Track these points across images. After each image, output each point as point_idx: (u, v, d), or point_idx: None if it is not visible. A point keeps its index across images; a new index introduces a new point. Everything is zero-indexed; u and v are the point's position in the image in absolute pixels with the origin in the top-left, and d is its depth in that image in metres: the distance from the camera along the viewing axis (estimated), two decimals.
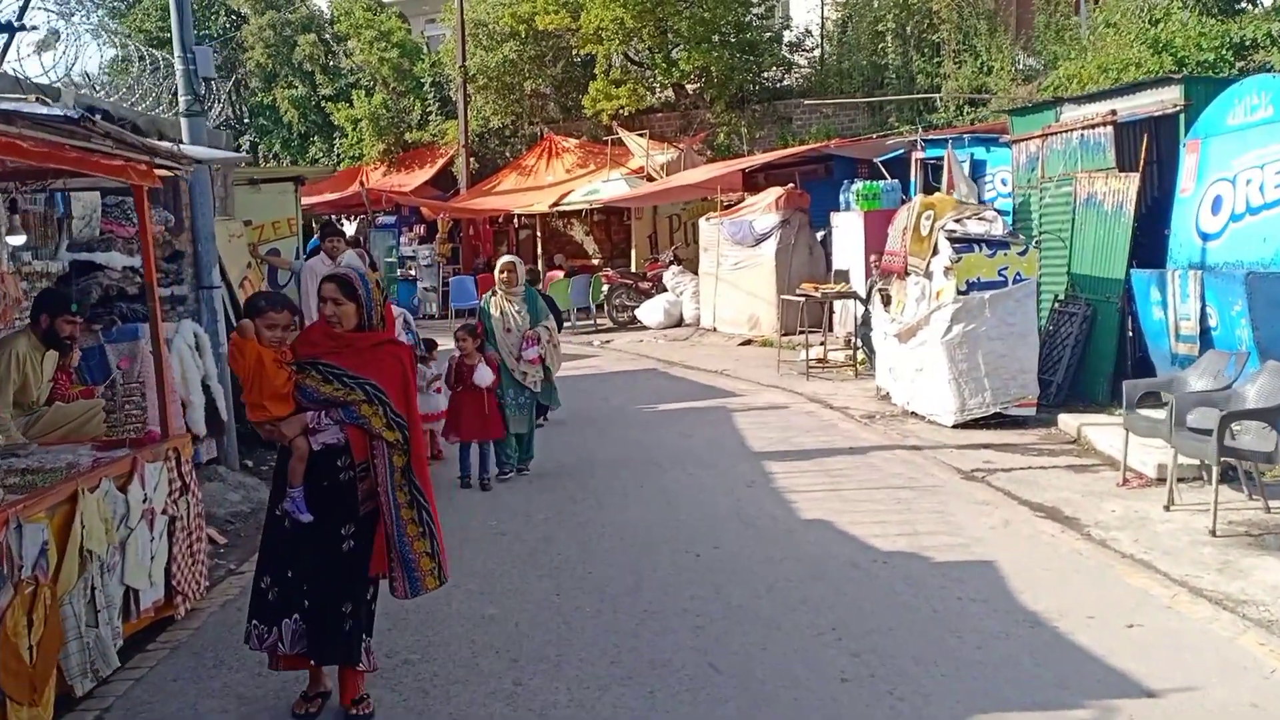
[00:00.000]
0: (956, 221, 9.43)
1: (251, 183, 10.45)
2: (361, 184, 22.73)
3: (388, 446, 3.78)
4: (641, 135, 21.05)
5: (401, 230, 23.24)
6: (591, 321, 18.72)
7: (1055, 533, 6.04)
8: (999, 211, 9.77)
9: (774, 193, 15.70)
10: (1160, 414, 6.79)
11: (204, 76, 7.95)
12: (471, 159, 24.61)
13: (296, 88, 27.98)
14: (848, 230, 13.98)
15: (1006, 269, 9.23)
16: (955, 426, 9.14)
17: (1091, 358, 10.02)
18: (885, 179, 14.12)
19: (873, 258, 12.67)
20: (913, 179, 13.93)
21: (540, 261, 21.71)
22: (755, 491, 7.24)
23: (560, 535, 6.33)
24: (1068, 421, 8.92)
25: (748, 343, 15.56)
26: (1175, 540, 5.79)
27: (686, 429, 9.58)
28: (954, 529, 6.16)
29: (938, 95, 19.61)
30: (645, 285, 18.49)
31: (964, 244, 9.28)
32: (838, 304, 13.81)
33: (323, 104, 27.33)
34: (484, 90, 24.62)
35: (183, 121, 7.94)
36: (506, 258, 7.63)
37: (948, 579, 5.27)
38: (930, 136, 13.73)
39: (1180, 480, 6.70)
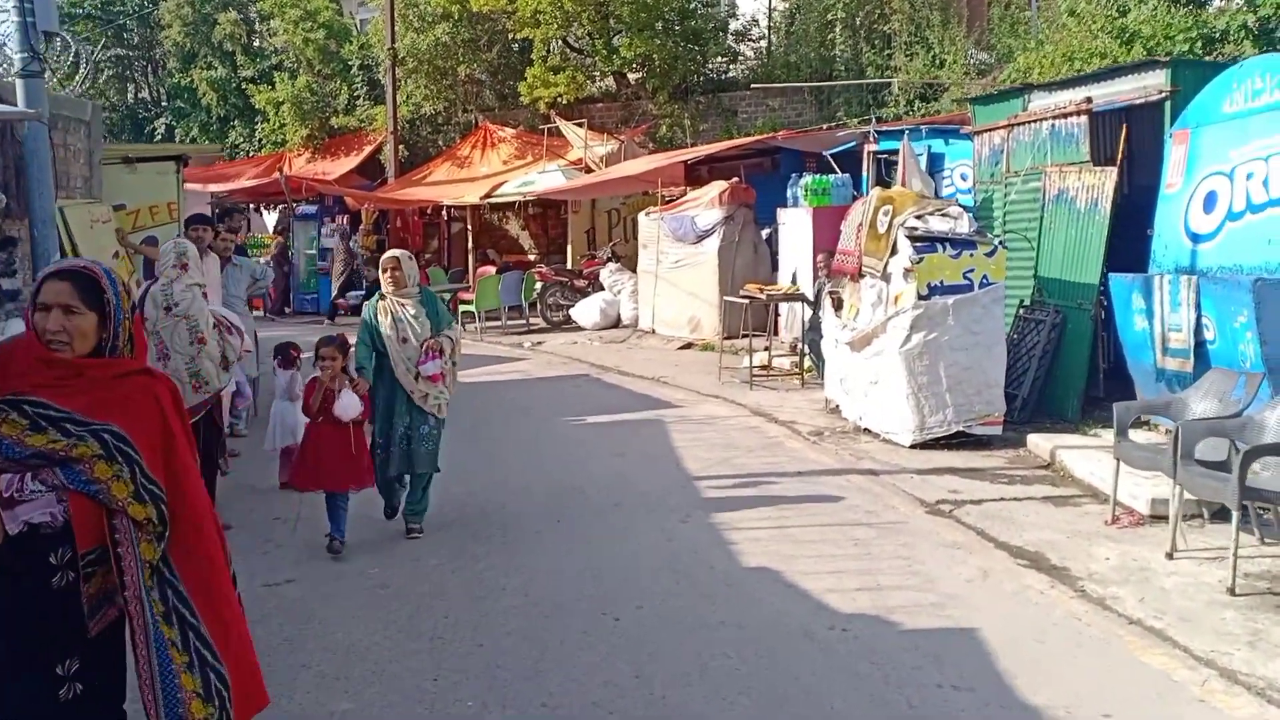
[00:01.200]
0: (918, 218, 8.48)
1: (126, 161, 9.18)
2: (280, 170, 21.30)
3: (135, 528, 2.53)
4: (580, 125, 19.94)
5: (324, 221, 21.86)
6: (524, 321, 17.58)
7: (1044, 588, 5.07)
8: (964, 207, 8.83)
9: (717, 187, 14.70)
10: (1156, 440, 5.89)
11: (45, 31, 6.70)
12: (401, 147, 23.28)
13: (216, 69, 26.42)
14: (795, 228, 13.02)
15: (972, 271, 8.30)
16: (914, 446, 8.19)
17: (1061, 370, 9.15)
18: (836, 173, 13.19)
19: (820, 258, 11.71)
20: (865, 174, 13.01)
21: (470, 256, 20.52)
22: (691, 529, 6.20)
23: (453, 589, 5.23)
24: (1038, 443, 8.01)
25: (688, 346, 14.54)
26: (1189, 600, 4.86)
27: (618, 446, 8.52)
28: (924, 582, 5.17)
29: (891, 84, 18.77)
30: (581, 283, 17.39)
31: (926, 243, 8.33)
32: (784, 307, 12.84)
33: (244, 86, 25.80)
34: (414, 74, 23.32)
35: (17, 83, 6.69)
36: (391, 253, 6.19)
37: (923, 655, 4.27)
38: (885, 128, 12.82)
39: (1160, 517, 5.81)
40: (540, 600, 5.04)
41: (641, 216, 15.95)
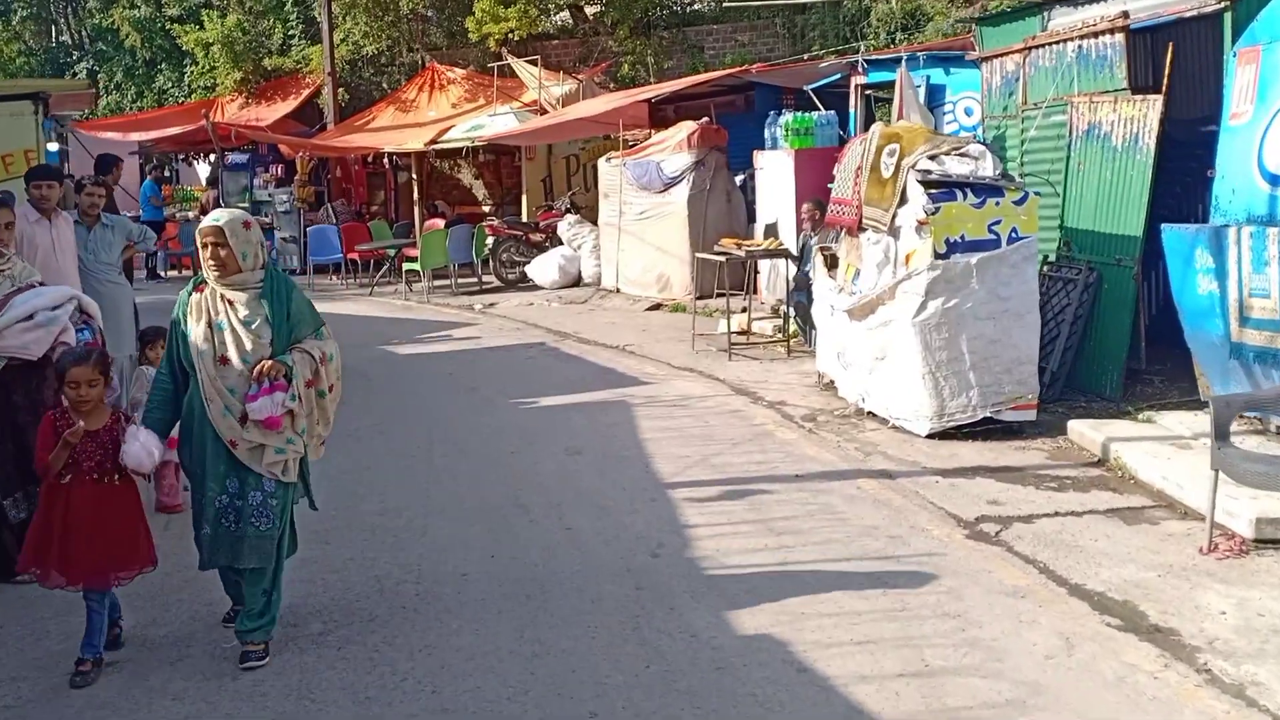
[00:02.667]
0: (931, 159, 7.00)
1: None
2: (206, 116, 19.41)
3: None
4: (534, 63, 18.20)
5: (255, 171, 20.05)
6: (476, 279, 15.99)
7: (1155, 668, 3.69)
8: (986, 145, 7.36)
9: (685, 128, 13.12)
10: (1272, 450, 4.53)
11: None
12: (341, 90, 21.40)
13: (139, 7, 24.25)
14: (775, 173, 11.51)
15: (999, 224, 6.86)
16: (931, 436, 6.80)
17: (1097, 339, 7.78)
18: (820, 110, 11.66)
19: (804, 207, 10.25)
20: (852, 110, 11.51)
21: (417, 209, 18.84)
22: (663, 570, 4.76)
23: (324, 689, 3.77)
24: (1084, 433, 6.64)
25: (656, 307, 13.07)
26: None
27: (574, 439, 7.05)
28: (988, 659, 3.78)
29: (870, 13, 17.24)
30: (537, 237, 15.79)
31: (943, 190, 6.87)
32: (765, 263, 11.36)
33: (169, 27, 23.70)
34: (353, 10, 21.42)
35: None
36: (211, 218, 3.99)
37: None
38: (875, 56, 11.28)
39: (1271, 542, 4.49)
40: (456, 704, 3.60)
41: (602, 163, 14.36)
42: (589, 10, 21.76)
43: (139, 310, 8.15)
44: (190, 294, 4.04)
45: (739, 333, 10.29)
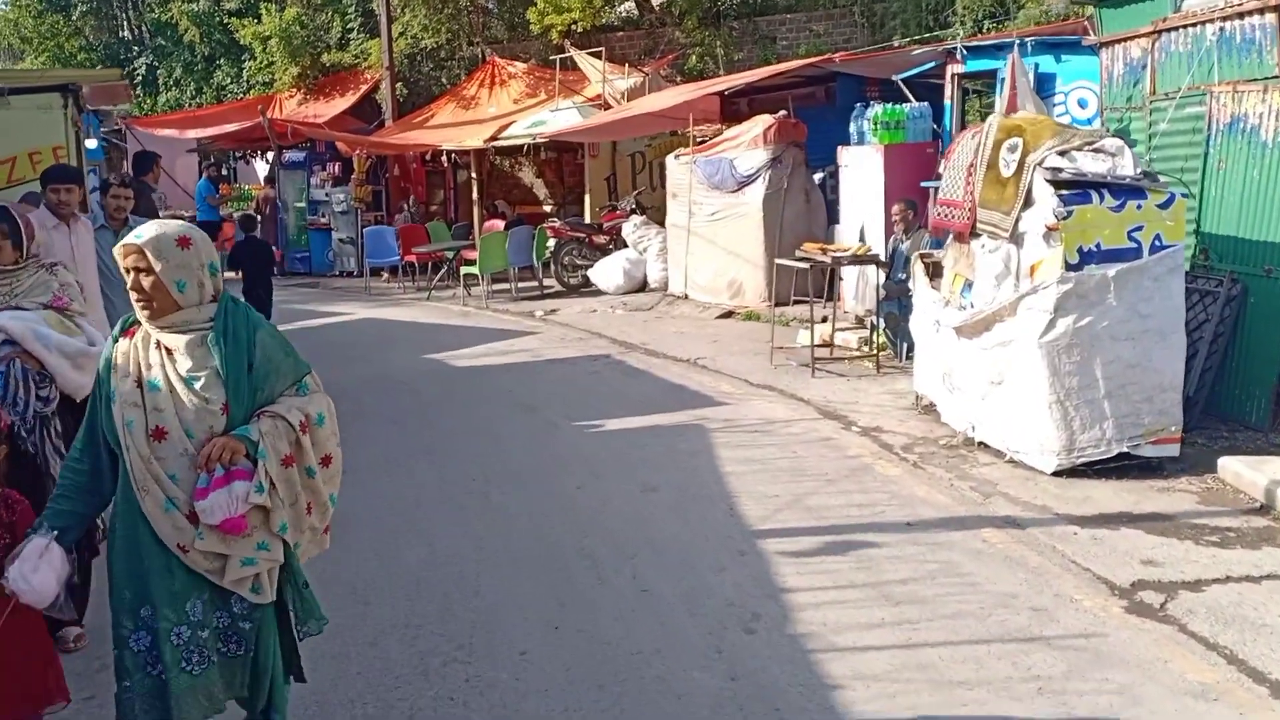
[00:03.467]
0: (1062, 154, 6.09)
1: None
2: (262, 112, 18.96)
3: None
4: (598, 56, 17.45)
5: (313, 170, 19.57)
6: (536, 283, 15.28)
7: None
8: (1123, 139, 6.43)
9: (761, 122, 12.27)
10: None
11: None
12: (400, 85, 20.88)
13: (197, 1, 23.97)
14: (861, 171, 10.61)
15: (1141, 230, 5.95)
16: (1058, 473, 5.91)
17: (1242, 359, 6.82)
18: (911, 102, 10.73)
19: (895, 208, 9.37)
20: (948, 102, 10.56)
21: (477, 209, 18.20)
22: (761, 650, 3.95)
23: None
24: (1239, 472, 5.70)
25: (728, 315, 12.23)
26: None
27: (646, 471, 6.27)
28: None
29: (955, 2, 16.23)
30: (601, 239, 15.04)
31: (1075, 190, 5.97)
32: (849, 269, 10.47)
33: (227, 21, 23.37)
34: (412, 2, 20.86)
35: None
36: (133, 234, 2.97)
37: None
38: (976, 42, 10.32)
39: None
40: None
41: (670, 160, 13.55)
42: (655, 1, 20.99)
43: None
44: (117, 339, 2.94)
45: (821, 345, 9.42)
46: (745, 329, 11.47)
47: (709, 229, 12.69)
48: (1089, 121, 8.92)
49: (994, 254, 6.39)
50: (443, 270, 16.10)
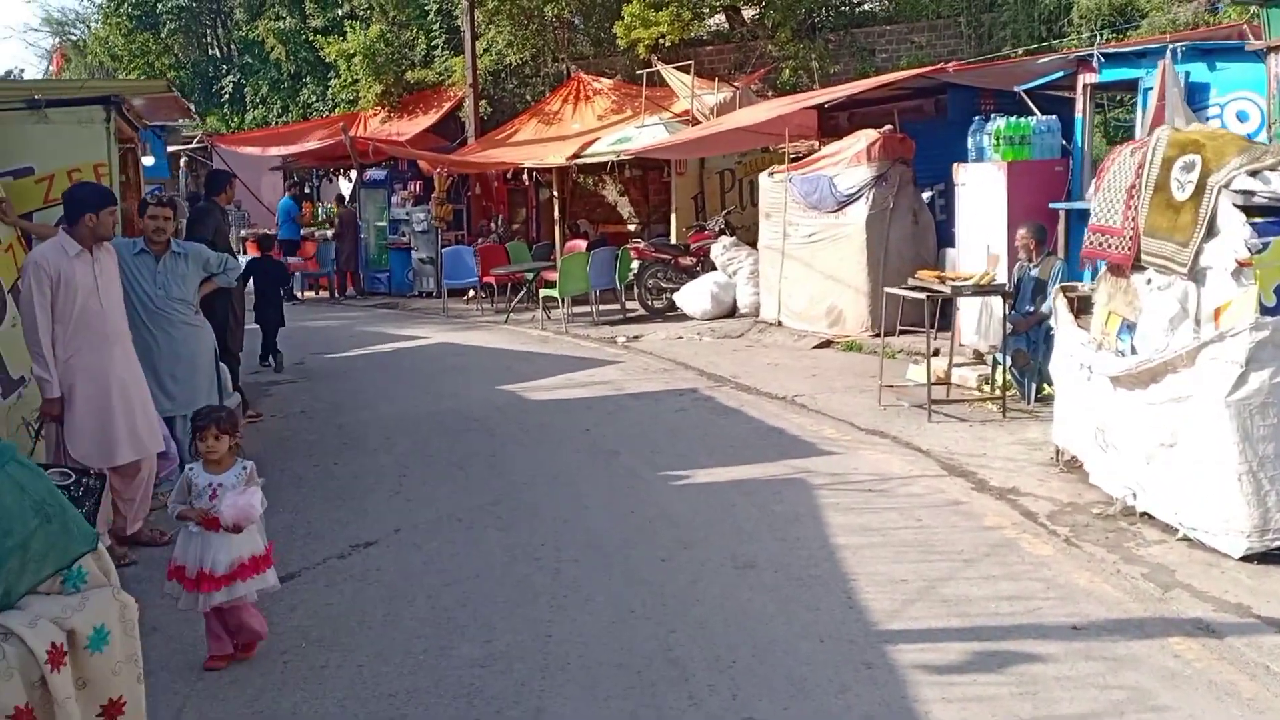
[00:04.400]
0: (1252, 175, 5.04)
1: (32, 106, 6.36)
2: (344, 130, 18.56)
3: None
4: (686, 70, 16.63)
5: (394, 188, 19.11)
6: (618, 306, 14.47)
7: None
8: None
9: (865, 137, 11.31)
10: None
11: None
12: (483, 103, 20.37)
13: (284, 19, 23.85)
14: (980, 190, 9.56)
15: None
16: (1247, 558, 4.84)
17: None
18: (1036, 115, 9.66)
19: (1021, 233, 8.34)
20: (1079, 115, 9.47)
21: (558, 228, 17.50)
22: None
23: None
24: None
25: (826, 345, 11.26)
26: None
27: (742, 540, 5.35)
28: None
29: (1071, 10, 15.07)
30: (687, 261, 14.18)
31: (1272, 219, 4.92)
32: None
33: (313, 38, 23.17)
34: (497, 18, 20.35)
35: None
36: None
37: None
38: (1115, 48, 9.22)
39: None
40: None
41: (763, 178, 12.64)
42: (746, 13, 20.15)
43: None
44: None
45: (936, 383, 8.39)
46: (846, 361, 10.49)
47: (805, 251, 11.75)
48: (1253, 136, 7.79)
49: (1166, 292, 5.35)
50: (522, 292, 15.40)
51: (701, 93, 16.16)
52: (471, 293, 16.75)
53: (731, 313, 13.35)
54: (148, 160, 8.58)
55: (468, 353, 12.12)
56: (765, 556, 5.09)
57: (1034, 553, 5.09)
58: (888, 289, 8.70)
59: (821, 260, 11.54)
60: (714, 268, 13.80)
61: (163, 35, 25.05)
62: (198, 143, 22.73)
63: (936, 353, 9.10)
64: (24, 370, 5.67)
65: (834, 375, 9.77)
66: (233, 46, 26.43)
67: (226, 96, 25.20)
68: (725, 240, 13.62)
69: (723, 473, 6.67)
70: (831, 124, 13.06)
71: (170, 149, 23.68)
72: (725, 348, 11.65)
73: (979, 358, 9.24)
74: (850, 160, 11.29)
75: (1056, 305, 6.60)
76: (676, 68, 16.97)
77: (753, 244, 13.38)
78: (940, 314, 8.88)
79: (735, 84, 16.73)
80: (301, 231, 20.18)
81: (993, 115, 9.77)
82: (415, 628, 4.42)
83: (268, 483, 6.57)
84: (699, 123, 15.50)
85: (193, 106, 14.78)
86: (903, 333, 10.36)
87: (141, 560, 5.35)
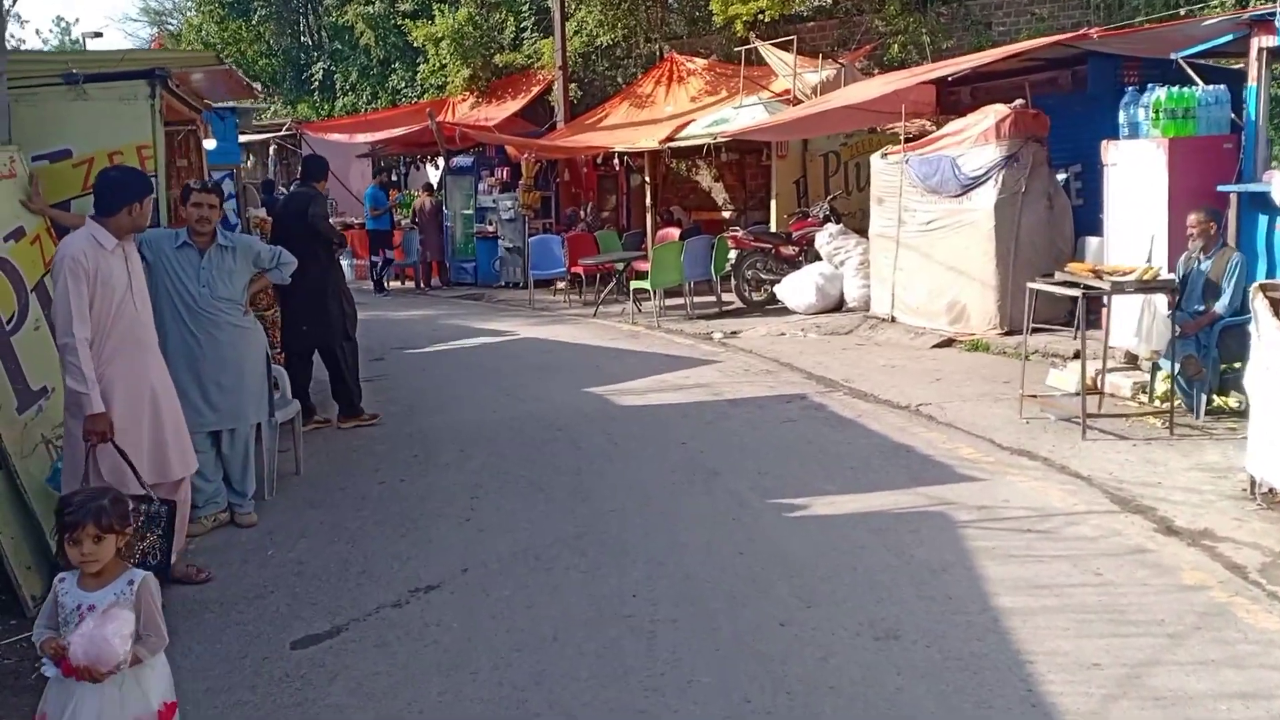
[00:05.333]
0: None
1: (69, 82, 5.68)
2: (430, 115, 17.89)
3: None
4: (787, 48, 15.54)
5: (480, 175, 18.42)
6: (714, 298, 13.52)
7: None
8: None
9: (993, 113, 10.13)
10: None
11: None
12: (573, 86, 19.56)
13: (373, 3, 23.39)
14: (1135, 170, 8.34)
15: None
16: None
17: None
18: (1198, 85, 8.39)
19: (1192, 219, 7.17)
20: (1252, 84, 8.16)
21: (650, 216, 16.59)
22: None
23: None
24: None
25: (947, 343, 10.15)
26: None
27: (880, 602, 4.34)
28: None
29: None
30: (790, 251, 13.15)
31: None
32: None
33: (402, 23, 22.65)
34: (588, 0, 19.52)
35: None
36: None
37: None
38: None
39: None
40: None
41: (876, 160, 11.52)
42: None
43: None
44: None
45: (1089, 388, 7.23)
46: (972, 363, 9.38)
47: (924, 240, 10.63)
48: None
49: None
50: (612, 283, 14.55)
51: (803, 71, 15.09)
52: (559, 284, 15.96)
53: (838, 307, 12.28)
54: (209, 143, 7.90)
55: (554, 349, 11.31)
56: (911, 623, 4.10)
57: (1256, 625, 4.01)
58: (1031, 283, 7.55)
59: (942, 250, 10.41)
60: (818, 258, 12.75)
61: (254, 22, 24.83)
62: (287, 130, 22.44)
63: (1076, 355, 7.96)
64: (46, 380, 4.98)
65: (960, 380, 8.68)
66: (323, 33, 26.13)
67: (316, 84, 24.90)
68: (831, 228, 12.55)
69: (845, 502, 5.69)
70: (952, 100, 11.89)
71: (259, 137, 23.52)
72: (833, 346, 10.61)
73: (1131, 362, 8.06)
74: (976, 139, 10.13)
75: (1256, 307, 5.44)
76: (774, 44, 15.90)
77: (860, 232, 12.30)
78: (1086, 312, 7.73)
79: (839, 61, 15.59)
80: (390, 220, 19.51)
81: (1150, 86, 8.52)
82: (478, 713, 3.56)
83: (329, 508, 5.83)
84: (799, 103, 14.43)
85: (258, 86, 14.25)
86: (1035, 331, 9.19)
87: (174, 604, 4.54)
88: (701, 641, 4.03)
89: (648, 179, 16.76)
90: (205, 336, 5.54)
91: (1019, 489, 5.77)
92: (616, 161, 17.42)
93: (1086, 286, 6.94)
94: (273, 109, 25.94)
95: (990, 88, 11.43)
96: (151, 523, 4.12)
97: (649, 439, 7.28)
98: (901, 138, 11.12)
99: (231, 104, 9.63)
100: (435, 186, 20.16)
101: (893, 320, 11.09)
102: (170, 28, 28.89)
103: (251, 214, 8.57)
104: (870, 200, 11.58)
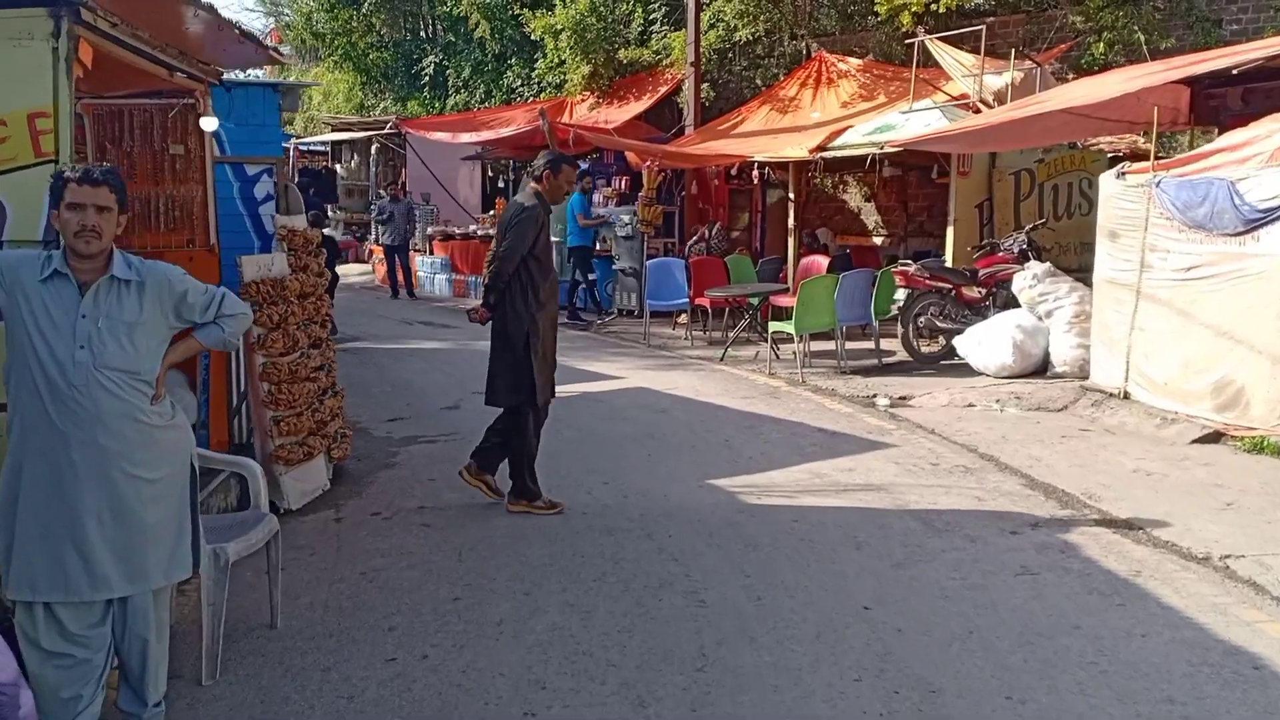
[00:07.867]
0: None
1: None
2: (542, 114, 15.64)
3: None
4: (967, 45, 12.77)
5: (596, 184, 16.09)
6: (871, 346, 10.86)
7: None
8: None
9: None
10: None
11: None
12: (705, 86, 17.11)
13: None
14: None
15: None
16: None
17: None
18: None
19: None
20: None
21: (792, 238, 13.99)
22: None
23: None
24: None
25: (1213, 437, 7.30)
26: None
27: None
28: None
29: None
30: (974, 294, 10.40)
31: None
32: None
33: (519, 14, 20.59)
34: None
35: None
36: None
37: None
38: None
39: None
40: None
41: (1109, 181, 8.64)
42: None
43: None
44: None
45: None
46: (1264, 473, 6.53)
47: (1180, 292, 7.78)
48: None
49: None
50: (745, 320, 12.00)
51: (986, 72, 12.31)
52: (682, 316, 13.46)
53: (1041, 370, 9.48)
54: (208, 123, 5.67)
55: (670, 408, 8.86)
56: None
57: None
58: None
59: (1209, 307, 7.54)
60: (1011, 303, 9.98)
61: (364, 11, 23.13)
62: (390, 128, 20.64)
63: None
64: None
65: (1265, 503, 5.87)
66: (436, 24, 24.30)
67: (427, 80, 23.05)
68: (1036, 267, 9.73)
69: None
70: (1212, 106, 8.98)
71: (362, 134, 21.74)
72: (1047, 431, 7.85)
73: None
74: (1270, 157, 7.26)
75: None
76: (940, 38, 13.14)
77: (1075, 273, 9.49)
78: None
79: (1028, 61, 12.76)
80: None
81: None
82: None
83: (299, 712, 3.44)
84: (979, 110, 11.68)
85: (286, 49, 12.18)
86: None
87: None
88: None
89: (791, 195, 14.15)
90: (79, 439, 3.23)
91: None
92: (755, 173, 14.83)
93: None
94: (382, 105, 24.26)
95: (1272, 89, 8.50)
96: None
97: (811, 594, 4.73)
98: (1152, 152, 8.27)
99: (273, 80, 7.44)
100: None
101: (1125, 396, 8.25)
102: (286, 17, 27.68)
103: (283, 223, 6.32)
104: (1097, 234, 8.73)
